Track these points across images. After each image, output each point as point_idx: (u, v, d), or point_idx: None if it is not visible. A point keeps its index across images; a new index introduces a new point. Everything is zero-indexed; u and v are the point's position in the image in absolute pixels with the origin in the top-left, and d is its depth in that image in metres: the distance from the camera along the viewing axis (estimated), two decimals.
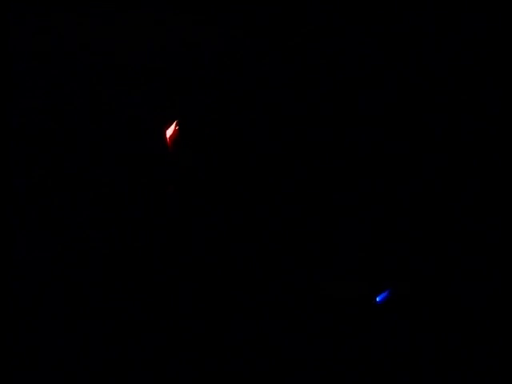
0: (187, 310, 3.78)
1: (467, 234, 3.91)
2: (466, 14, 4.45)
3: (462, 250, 3.87)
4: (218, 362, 3.59)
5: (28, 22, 4.78)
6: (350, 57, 4.45)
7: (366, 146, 4.13)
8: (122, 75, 4.58)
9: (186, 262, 3.94)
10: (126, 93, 4.50)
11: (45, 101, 4.51)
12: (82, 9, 4.86)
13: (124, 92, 4.50)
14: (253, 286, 3.83)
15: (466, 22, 4.44)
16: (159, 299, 3.82)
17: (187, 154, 4.22)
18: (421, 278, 3.79)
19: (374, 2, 4.60)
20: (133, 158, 4.31)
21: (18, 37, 4.76)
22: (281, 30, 4.63)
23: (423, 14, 4.53)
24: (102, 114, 4.43)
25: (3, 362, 3.54)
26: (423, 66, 4.39)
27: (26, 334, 3.66)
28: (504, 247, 3.83)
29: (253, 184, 4.12)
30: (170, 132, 4.25)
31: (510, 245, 3.83)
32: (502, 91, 4.24)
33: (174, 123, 4.26)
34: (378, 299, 3.70)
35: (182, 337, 3.68)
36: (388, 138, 4.15)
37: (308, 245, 3.93)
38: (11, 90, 4.48)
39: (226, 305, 3.79)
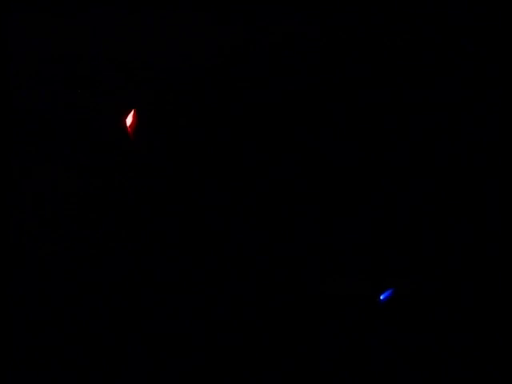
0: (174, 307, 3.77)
1: (471, 232, 3.91)
2: (467, 14, 4.46)
3: (465, 249, 3.87)
4: (218, 361, 3.58)
5: (27, 21, 4.80)
6: (350, 57, 4.44)
7: (368, 144, 4.13)
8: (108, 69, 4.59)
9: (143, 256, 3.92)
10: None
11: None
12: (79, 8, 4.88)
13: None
14: (253, 284, 3.82)
15: (466, 21, 4.45)
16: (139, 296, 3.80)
17: (148, 142, 4.18)
18: (425, 277, 3.79)
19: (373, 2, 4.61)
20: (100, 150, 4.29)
21: (18, 37, 4.76)
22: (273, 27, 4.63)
23: (422, 14, 4.53)
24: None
25: (3, 362, 3.54)
26: (423, 65, 4.39)
27: (25, 334, 3.66)
28: (506, 245, 3.83)
29: (229, 172, 4.10)
30: (129, 121, 4.20)
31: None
32: (502, 91, 4.25)
33: (132, 111, 4.22)
34: (381, 298, 3.70)
35: (180, 336, 3.67)
36: (391, 135, 4.15)
37: (309, 243, 3.92)
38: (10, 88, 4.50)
39: (222, 303, 3.77)
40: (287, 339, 3.64)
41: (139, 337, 3.65)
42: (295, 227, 3.96)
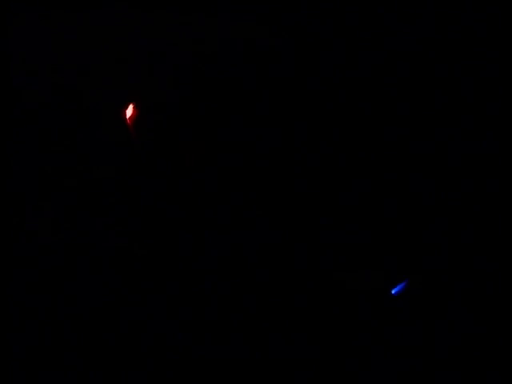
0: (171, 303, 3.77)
1: (483, 227, 3.91)
2: (466, 14, 4.47)
3: (477, 244, 3.87)
4: (228, 355, 3.58)
5: (28, 22, 4.82)
6: (350, 58, 4.46)
7: (377, 141, 4.13)
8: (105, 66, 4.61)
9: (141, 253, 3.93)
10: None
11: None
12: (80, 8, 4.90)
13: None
14: (261, 280, 3.82)
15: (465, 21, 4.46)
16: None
17: (149, 135, 4.18)
18: (437, 271, 3.79)
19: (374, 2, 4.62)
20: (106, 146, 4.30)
21: (18, 39, 4.79)
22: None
23: (423, 14, 4.54)
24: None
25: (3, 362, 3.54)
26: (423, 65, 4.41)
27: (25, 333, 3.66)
28: None
29: (229, 167, 4.10)
30: (129, 113, 4.20)
31: None
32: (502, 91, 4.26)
33: (132, 103, 4.22)
34: (393, 291, 3.70)
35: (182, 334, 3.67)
36: (400, 131, 4.16)
37: (320, 236, 3.92)
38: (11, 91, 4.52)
39: (235, 301, 3.77)
40: (300, 333, 3.64)
41: (139, 337, 3.65)
42: (307, 222, 3.97)
